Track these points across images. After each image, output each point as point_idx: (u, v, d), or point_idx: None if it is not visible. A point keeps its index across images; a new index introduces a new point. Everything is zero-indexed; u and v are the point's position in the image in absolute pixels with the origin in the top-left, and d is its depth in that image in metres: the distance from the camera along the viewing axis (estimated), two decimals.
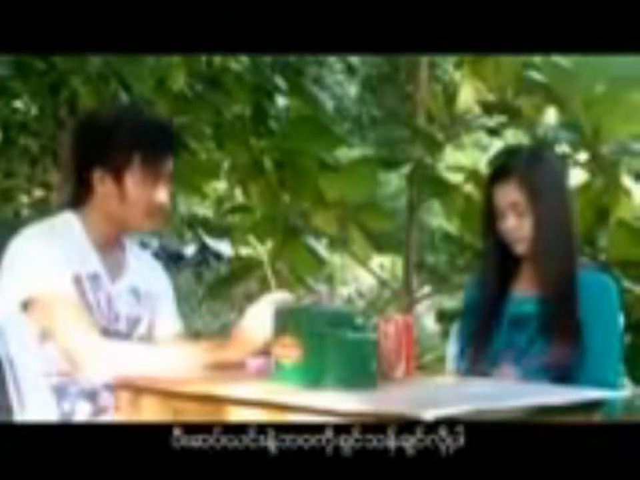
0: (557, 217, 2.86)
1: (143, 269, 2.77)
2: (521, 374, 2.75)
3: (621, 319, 2.86)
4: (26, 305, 2.49)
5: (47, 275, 2.48)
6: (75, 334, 2.44)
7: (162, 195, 2.64)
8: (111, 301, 2.60)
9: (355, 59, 8.26)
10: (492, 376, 2.78)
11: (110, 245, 2.67)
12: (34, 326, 2.50)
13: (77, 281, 2.52)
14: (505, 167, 2.91)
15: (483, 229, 2.95)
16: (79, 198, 2.66)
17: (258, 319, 2.41)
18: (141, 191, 2.61)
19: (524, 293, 2.89)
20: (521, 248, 2.86)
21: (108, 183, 2.60)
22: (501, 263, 2.94)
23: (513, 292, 2.92)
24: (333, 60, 8.41)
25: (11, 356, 2.54)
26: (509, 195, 2.85)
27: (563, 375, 2.71)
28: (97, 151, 2.61)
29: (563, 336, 2.77)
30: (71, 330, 2.45)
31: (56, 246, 2.52)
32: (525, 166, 2.87)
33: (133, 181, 2.60)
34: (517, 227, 2.84)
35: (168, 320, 2.78)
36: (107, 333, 2.54)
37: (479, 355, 2.87)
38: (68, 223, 2.62)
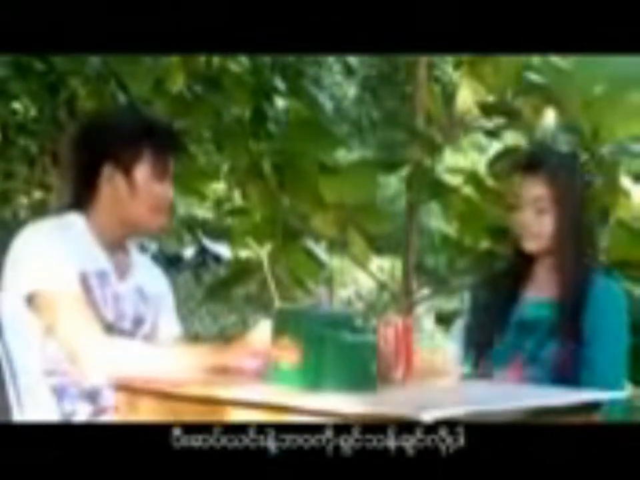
0: (578, 218, 2.84)
1: (147, 272, 2.78)
2: (527, 377, 2.74)
3: (626, 327, 2.85)
4: (30, 300, 2.49)
5: (52, 270, 2.48)
6: (77, 330, 2.44)
7: (169, 191, 2.66)
8: (117, 298, 2.60)
9: (353, 60, 8.26)
10: (497, 378, 2.76)
11: (115, 247, 2.67)
12: (37, 322, 2.50)
13: (84, 277, 2.52)
14: (536, 159, 2.89)
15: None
16: (83, 200, 2.66)
17: (265, 333, 2.38)
18: (150, 186, 2.62)
19: (535, 295, 2.88)
20: (533, 245, 2.84)
21: (117, 179, 2.62)
22: (513, 264, 2.93)
23: (524, 295, 2.91)
24: (331, 61, 8.41)
25: (11, 355, 2.54)
26: (535, 188, 2.83)
27: (569, 380, 2.70)
28: (106, 148, 2.62)
29: (573, 341, 2.76)
30: (74, 326, 2.45)
31: (63, 242, 2.53)
32: (558, 163, 2.86)
33: (142, 175, 2.62)
34: (535, 222, 2.83)
35: (168, 323, 2.78)
36: (112, 330, 2.54)
37: (484, 357, 2.86)
38: (73, 223, 2.62)
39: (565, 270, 2.82)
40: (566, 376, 2.70)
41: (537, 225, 2.83)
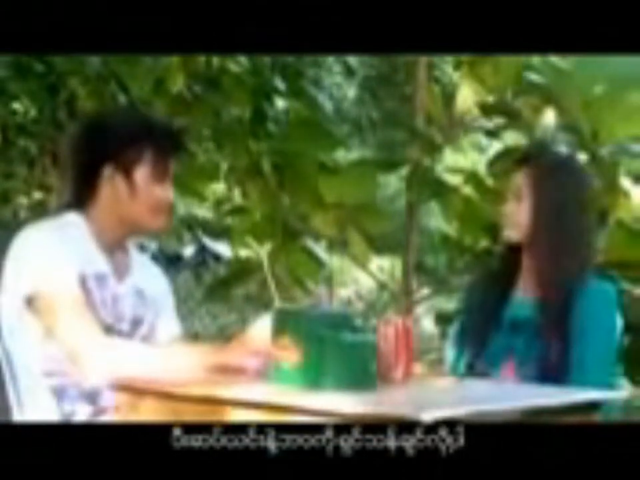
0: (559, 210, 2.83)
1: (146, 273, 2.78)
2: (520, 377, 2.74)
3: (620, 323, 2.84)
4: (29, 302, 2.49)
5: (52, 271, 2.49)
6: (78, 331, 2.45)
7: (169, 192, 2.66)
8: (116, 300, 2.61)
9: (353, 61, 8.25)
10: (491, 378, 2.77)
11: (114, 247, 2.68)
12: (37, 324, 2.50)
13: (83, 279, 2.53)
14: (525, 157, 2.92)
15: None
16: (82, 200, 2.66)
17: (264, 330, 2.38)
18: (150, 188, 2.63)
19: (525, 295, 2.88)
20: (513, 233, 2.86)
21: (117, 180, 2.62)
22: (502, 261, 2.94)
23: (515, 294, 2.91)
24: (331, 61, 8.41)
25: (11, 355, 2.55)
26: (518, 178, 2.86)
27: (560, 380, 2.69)
28: (106, 150, 2.63)
29: (562, 341, 2.75)
30: (74, 327, 2.45)
31: (61, 244, 2.53)
32: (543, 158, 2.88)
33: (142, 177, 2.63)
34: (515, 210, 2.84)
35: (168, 323, 2.79)
36: (111, 332, 2.54)
37: (478, 357, 2.87)
38: (72, 223, 2.63)
39: (544, 260, 2.82)
40: (557, 376, 2.70)
41: (516, 213, 2.85)
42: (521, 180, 2.86)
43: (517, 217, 2.85)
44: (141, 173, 2.63)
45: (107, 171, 2.62)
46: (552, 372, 2.72)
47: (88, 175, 2.65)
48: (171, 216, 2.80)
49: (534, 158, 2.90)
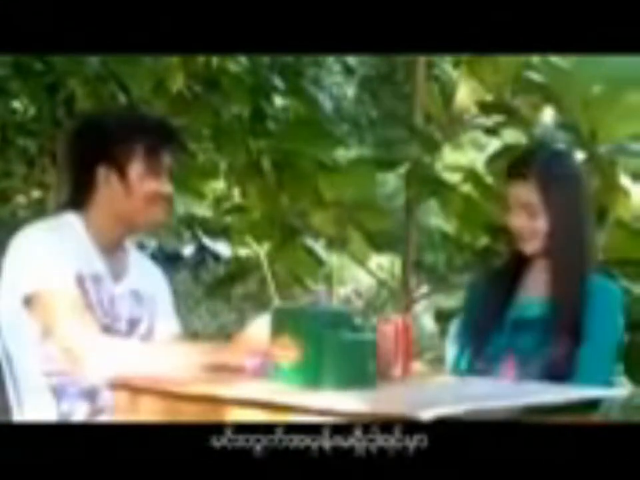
0: (572, 220, 2.83)
1: (144, 273, 2.78)
2: (523, 376, 2.74)
3: (622, 326, 2.85)
4: (28, 301, 2.50)
5: (50, 271, 2.49)
6: (76, 330, 2.45)
7: (165, 185, 2.67)
8: (113, 301, 2.62)
9: (353, 60, 8.25)
10: (491, 376, 2.77)
11: (112, 247, 2.68)
12: (35, 324, 2.51)
13: (80, 279, 2.54)
14: (523, 164, 2.89)
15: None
16: (79, 199, 2.67)
17: (263, 329, 2.38)
18: (145, 182, 2.64)
19: (531, 294, 2.88)
20: (529, 246, 2.85)
21: (112, 179, 2.63)
22: (510, 263, 2.94)
23: (519, 294, 2.91)
24: (331, 61, 8.40)
25: (10, 355, 2.55)
26: (524, 194, 2.83)
27: (562, 379, 2.70)
28: (100, 148, 2.64)
29: (566, 340, 2.76)
30: (73, 326, 2.46)
31: (59, 244, 2.54)
32: (545, 168, 2.85)
33: (136, 173, 2.63)
34: (528, 226, 2.83)
35: (167, 323, 2.79)
36: (109, 331, 2.55)
37: (479, 355, 2.87)
38: (70, 224, 2.64)
39: (560, 270, 2.83)
40: (559, 375, 2.70)
41: (529, 227, 2.83)
42: (528, 196, 2.82)
43: (531, 231, 2.83)
44: (135, 169, 2.64)
45: (102, 171, 2.63)
46: (554, 371, 2.72)
47: (84, 175, 2.67)
48: (169, 209, 2.80)
49: (537, 172, 2.85)
